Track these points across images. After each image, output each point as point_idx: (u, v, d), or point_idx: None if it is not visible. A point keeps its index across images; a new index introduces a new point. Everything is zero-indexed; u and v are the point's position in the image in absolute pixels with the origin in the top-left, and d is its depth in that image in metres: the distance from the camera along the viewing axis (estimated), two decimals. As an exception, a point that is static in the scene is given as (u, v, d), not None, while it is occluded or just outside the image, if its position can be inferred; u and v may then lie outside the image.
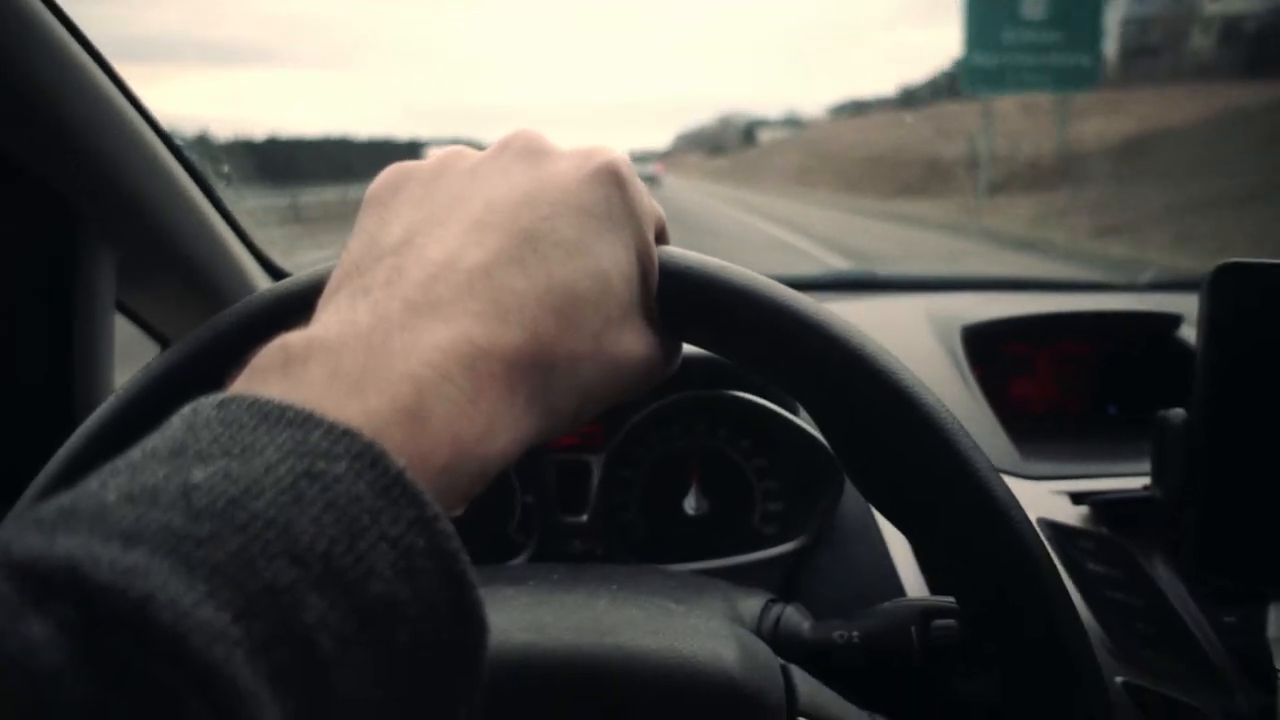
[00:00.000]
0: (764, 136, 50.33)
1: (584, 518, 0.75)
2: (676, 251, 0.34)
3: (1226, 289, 0.54)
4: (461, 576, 0.22)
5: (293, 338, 0.24)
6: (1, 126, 0.59)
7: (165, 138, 0.75)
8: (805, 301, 0.34)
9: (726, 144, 58.05)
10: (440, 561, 0.21)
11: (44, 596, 0.16)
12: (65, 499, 0.19)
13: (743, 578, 0.67)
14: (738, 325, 0.34)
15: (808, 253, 9.70)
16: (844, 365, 0.33)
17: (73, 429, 0.71)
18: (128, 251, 0.76)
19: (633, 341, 0.31)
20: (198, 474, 0.19)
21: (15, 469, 0.70)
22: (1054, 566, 0.35)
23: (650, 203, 0.34)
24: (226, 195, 0.89)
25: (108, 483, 0.19)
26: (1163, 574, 0.61)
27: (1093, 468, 0.74)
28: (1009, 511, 0.34)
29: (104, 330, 0.76)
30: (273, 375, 0.23)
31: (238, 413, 0.21)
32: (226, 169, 0.96)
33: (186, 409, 0.22)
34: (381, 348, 0.24)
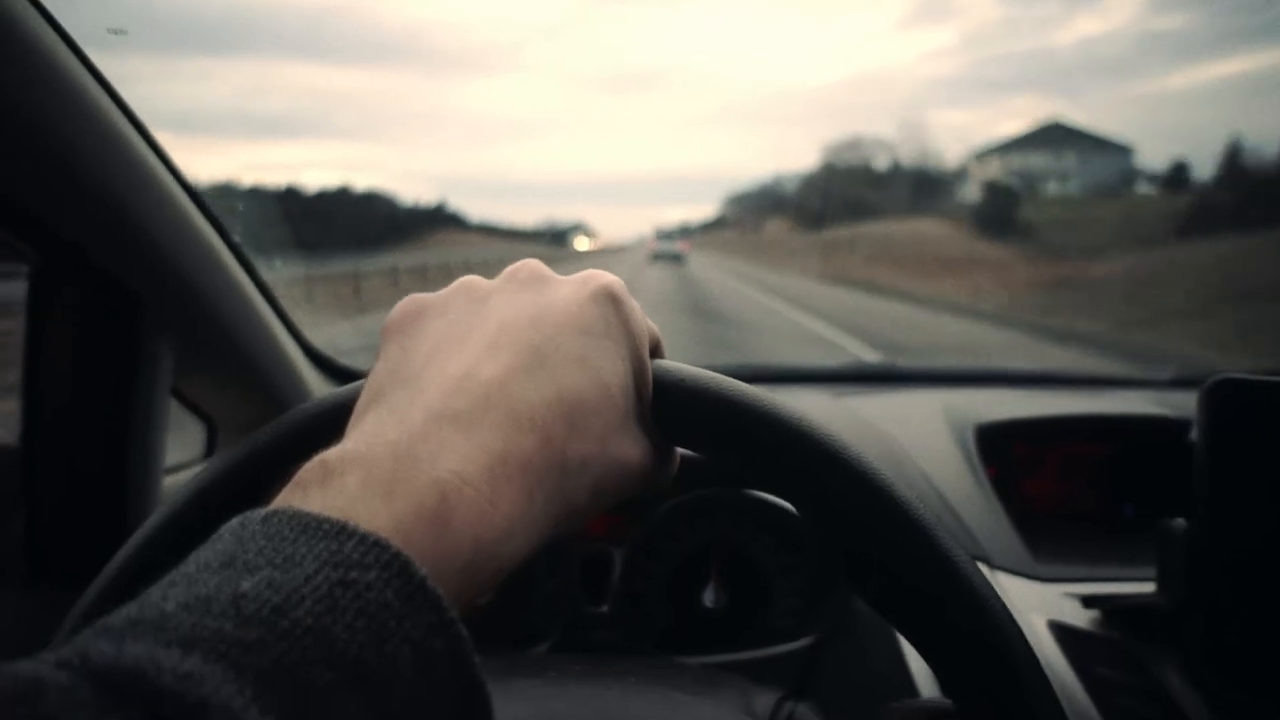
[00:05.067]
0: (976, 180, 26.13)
1: (605, 608, 0.77)
2: (670, 364, 0.37)
3: (1222, 402, 0.56)
4: (473, 677, 0.24)
5: (330, 454, 0.27)
6: (71, 221, 0.65)
7: (220, 228, 0.81)
8: (788, 410, 0.36)
9: (867, 199, 28.57)
10: (455, 662, 0.24)
11: (118, 701, 0.19)
12: (132, 608, 0.21)
13: (759, 671, 0.69)
14: (725, 434, 0.36)
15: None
16: (827, 469, 0.35)
17: (125, 507, 0.76)
18: (184, 339, 0.82)
19: (632, 445, 0.34)
20: (245, 583, 0.22)
21: (71, 542, 0.74)
22: (1036, 662, 0.36)
23: (644, 321, 0.37)
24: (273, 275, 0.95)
25: (168, 593, 0.22)
26: (1174, 681, 0.61)
27: (1106, 570, 0.75)
28: (987, 604, 0.35)
29: (159, 413, 0.81)
30: (314, 489, 0.26)
31: (280, 525, 0.24)
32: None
33: (235, 522, 0.25)
34: (407, 456, 0.27)
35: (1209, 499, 0.55)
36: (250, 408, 0.96)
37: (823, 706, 0.58)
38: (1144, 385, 1.32)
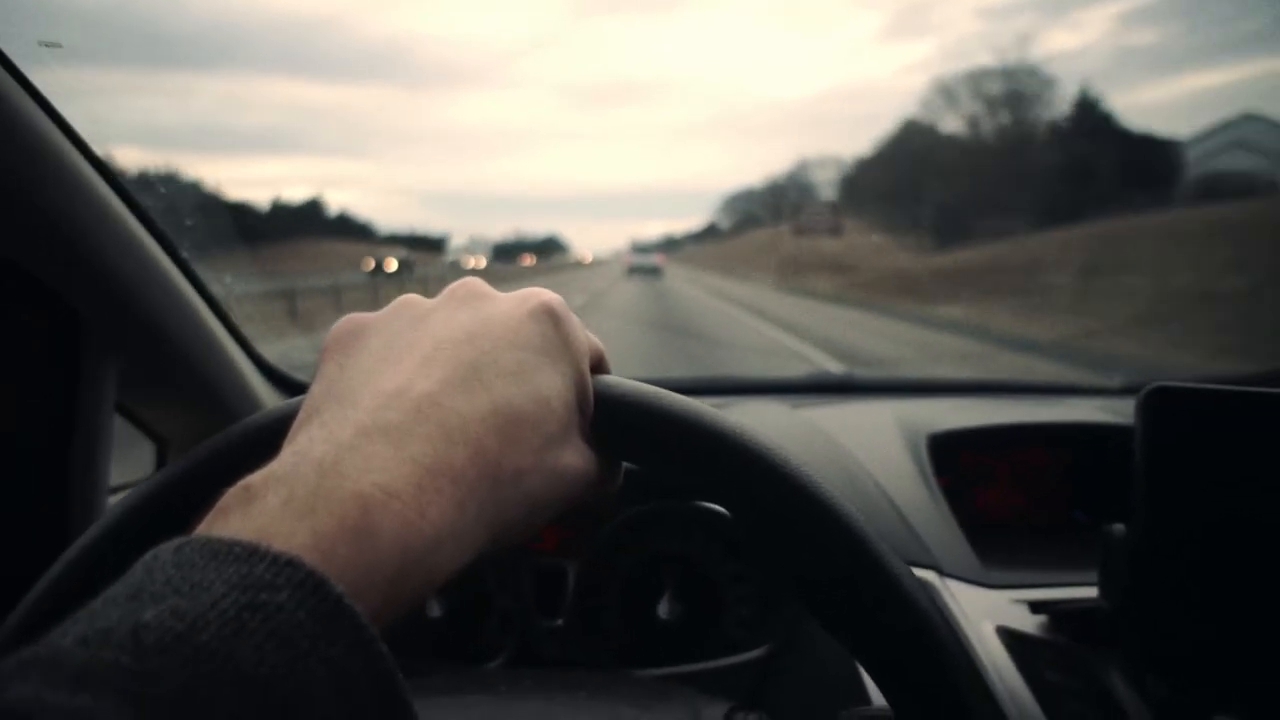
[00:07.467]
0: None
1: (560, 621, 0.77)
2: (612, 380, 0.38)
3: (1158, 411, 0.58)
4: (395, 695, 0.24)
5: (254, 476, 0.27)
6: (11, 240, 0.63)
7: (165, 241, 0.80)
8: (725, 421, 0.37)
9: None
10: (375, 680, 0.23)
11: None
12: (29, 650, 0.20)
13: (713, 682, 0.69)
14: (664, 445, 0.37)
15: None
16: (765, 480, 0.36)
17: (67, 526, 0.74)
18: (129, 357, 0.80)
19: (573, 457, 0.34)
20: (148, 613, 0.21)
21: (9, 560, 0.72)
22: (973, 668, 0.36)
23: (585, 336, 0.37)
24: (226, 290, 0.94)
25: (67, 630, 0.21)
26: (1118, 684, 0.62)
27: (1055, 576, 0.76)
28: (921, 610, 0.35)
29: (103, 431, 0.79)
30: (235, 512, 0.26)
31: (191, 554, 0.23)
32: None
33: (148, 555, 0.24)
34: (332, 470, 0.27)
35: (1146, 505, 0.56)
36: (201, 425, 0.95)
37: (774, 716, 0.58)
38: (1095, 393, 1.35)
